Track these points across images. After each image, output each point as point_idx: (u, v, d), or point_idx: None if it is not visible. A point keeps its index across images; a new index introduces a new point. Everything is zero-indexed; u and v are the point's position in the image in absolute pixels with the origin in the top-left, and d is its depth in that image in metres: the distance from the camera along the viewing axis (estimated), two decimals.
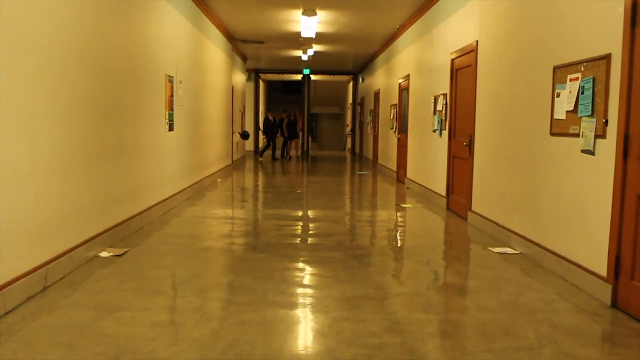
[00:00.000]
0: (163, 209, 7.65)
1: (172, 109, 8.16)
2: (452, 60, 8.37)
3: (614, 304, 4.07)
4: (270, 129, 20.09)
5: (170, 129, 8.12)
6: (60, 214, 4.58)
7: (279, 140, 20.80)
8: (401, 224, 7.71)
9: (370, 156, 18.19)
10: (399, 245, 6.46)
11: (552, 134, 5.07)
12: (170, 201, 8.05)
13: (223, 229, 6.97)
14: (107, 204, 5.62)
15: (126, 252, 5.46)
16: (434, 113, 9.33)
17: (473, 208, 7.32)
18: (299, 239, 6.53)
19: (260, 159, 19.35)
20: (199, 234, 6.68)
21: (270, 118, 20.23)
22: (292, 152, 21.36)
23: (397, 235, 6.99)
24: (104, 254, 5.34)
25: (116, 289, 4.34)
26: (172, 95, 8.16)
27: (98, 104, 5.34)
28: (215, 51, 12.25)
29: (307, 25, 11.85)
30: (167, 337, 3.43)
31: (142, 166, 6.78)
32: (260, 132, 22.11)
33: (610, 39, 4.13)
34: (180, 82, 8.71)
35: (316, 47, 16.00)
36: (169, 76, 8.01)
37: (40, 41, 4.18)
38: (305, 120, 23.93)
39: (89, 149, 5.15)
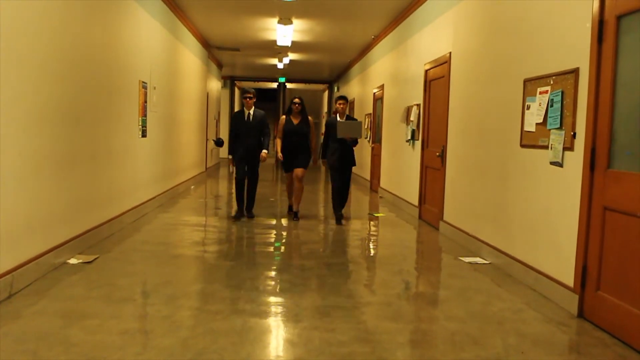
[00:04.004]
0: (135, 216, 7.57)
1: (145, 115, 8.10)
2: (426, 71, 8.45)
3: (581, 314, 4.13)
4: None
5: (144, 135, 8.06)
6: (28, 220, 4.50)
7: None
8: (374, 233, 7.74)
9: None
10: (371, 254, 6.48)
11: (522, 146, 5.15)
12: (142, 208, 7.97)
13: (195, 237, 6.92)
14: (78, 210, 5.55)
15: (96, 259, 5.39)
16: (407, 123, 9.40)
17: (445, 218, 7.38)
18: (272, 247, 6.52)
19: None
20: (171, 241, 6.63)
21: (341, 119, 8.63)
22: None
23: (370, 244, 7.02)
24: (72, 260, 5.26)
25: (84, 296, 4.28)
26: (145, 101, 8.10)
27: (69, 109, 5.28)
28: (190, 57, 12.20)
29: (283, 33, 11.87)
30: (135, 345, 3.39)
31: (114, 172, 6.71)
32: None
33: (578, 53, 4.22)
34: (154, 88, 8.65)
35: (292, 56, 16.03)
36: (143, 82, 7.96)
37: (9, 45, 4.12)
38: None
39: (60, 154, 5.08)
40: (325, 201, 11.37)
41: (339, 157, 8.09)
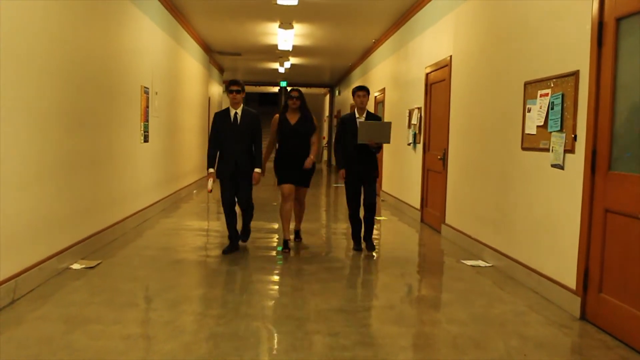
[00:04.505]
0: (137, 221, 7.58)
1: (147, 120, 8.12)
2: (427, 74, 8.46)
3: (583, 316, 4.13)
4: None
5: (146, 140, 8.07)
6: (31, 225, 4.51)
7: None
8: (376, 236, 7.73)
9: None
10: (373, 257, 6.48)
11: (523, 149, 5.15)
12: (144, 213, 7.98)
13: (197, 241, 6.93)
14: (80, 215, 5.56)
15: (98, 264, 5.40)
16: (409, 126, 9.41)
17: (447, 221, 7.38)
18: (274, 251, 6.52)
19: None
20: (173, 246, 6.63)
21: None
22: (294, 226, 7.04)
23: None
24: (75, 266, 5.27)
25: (87, 301, 4.29)
26: (147, 107, 8.12)
27: (72, 114, 5.30)
28: (191, 62, 12.22)
29: (284, 38, 11.89)
30: (138, 350, 3.40)
31: (117, 177, 6.72)
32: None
33: (578, 56, 4.23)
34: (156, 93, 8.67)
35: (293, 60, 16.05)
36: (145, 87, 7.98)
37: (14, 51, 4.14)
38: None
39: (63, 160, 5.10)
40: (327, 204, 11.38)
41: (359, 169, 6.26)
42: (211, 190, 6.22)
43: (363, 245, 6.49)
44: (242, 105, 6.10)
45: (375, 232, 7.96)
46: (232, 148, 6.03)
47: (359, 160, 6.24)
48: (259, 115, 6.25)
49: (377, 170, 6.45)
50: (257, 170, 6.14)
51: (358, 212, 6.41)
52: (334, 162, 22.12)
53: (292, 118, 6.38)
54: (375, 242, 6.65)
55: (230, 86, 6.07)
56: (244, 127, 6.05)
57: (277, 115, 6.50)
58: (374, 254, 6.30)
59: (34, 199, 4.57)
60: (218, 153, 6.11)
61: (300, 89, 6.61)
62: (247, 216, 6.42)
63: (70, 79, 5.26)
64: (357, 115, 6.31)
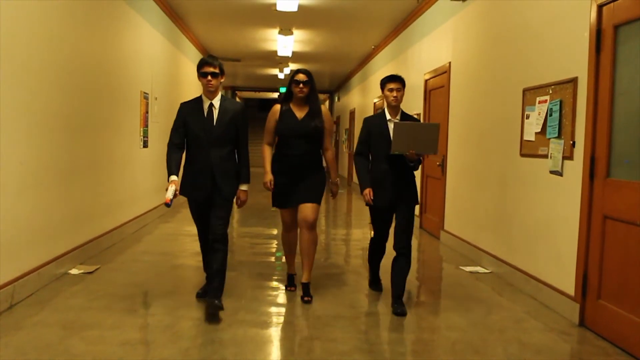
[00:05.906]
0: (136, 226, 7.58)
1: (146, 126, 8.13)
2: (426, 81, 8.48)
3: (582, 323, 4.13)
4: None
5: (145, 145, 8.08)
6: (29, 230, 4.51)
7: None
8: None
9: (345, 174, 18.24)
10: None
11: (521, 155, 5.16)
12: (143, 218, 7.98)
13: (196, 247, 6.87)
14: (79, 220, 5.56)
15: (97, 269, 5.40)
16: None
17: (445, 227, 7.38)
18: (273, 257, 6.52)
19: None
20: (172, 251, 6.63)
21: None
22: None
23: None
24: (74, 271, 5.26)
25: (85, 307, 4.28)
26: (147, 112, 8.13)
27: (71, 119, 5.31)
28: (191, 68, 12.20)
29: (284, 44, 11.93)
30: (136, 356, 3.39)
31: (115, 182, 6.72)
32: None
33: (577, 63, 4.24)
34: (156, 98, 8.68)
35: (293, 66, 16.08)
36: (144, 92, 7.99)
37: (13, 55, 4.15)
38: None
39: (62, 165, 5.10)
40: (326, 210, 11.35)
41: (391, 188, 4.52)
42: (170, 203, 4.08)
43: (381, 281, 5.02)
44: (220, 93, 4.30)
45: None
46: (206, 156, 4.23)
47: (393, 180, 4.53)
48: (244, 106, 4.45)
49: (416, 193, 4.68)
50: (243, 188, 4.38)
51: (385, 240, 4.81)
52: None
53: (299, 111, 4.63)
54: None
55: (202, 67, 4.18)
56: (224, 126, 4.22)
57: (277, 105, 4.70)
58: (403, 309, 4.35)
59: (32, 204, 4.56)
60: (184, 160, 4.39)
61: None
62: (221, 255, 4.18)
63: (69, 83, 5.27)
64: (388, 117, 4.59)
